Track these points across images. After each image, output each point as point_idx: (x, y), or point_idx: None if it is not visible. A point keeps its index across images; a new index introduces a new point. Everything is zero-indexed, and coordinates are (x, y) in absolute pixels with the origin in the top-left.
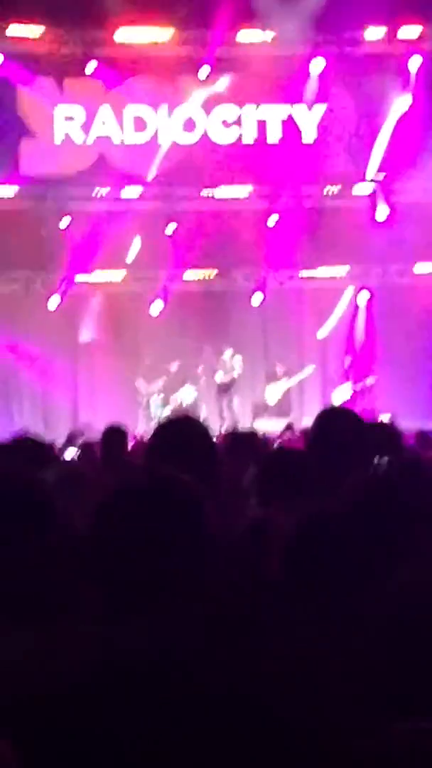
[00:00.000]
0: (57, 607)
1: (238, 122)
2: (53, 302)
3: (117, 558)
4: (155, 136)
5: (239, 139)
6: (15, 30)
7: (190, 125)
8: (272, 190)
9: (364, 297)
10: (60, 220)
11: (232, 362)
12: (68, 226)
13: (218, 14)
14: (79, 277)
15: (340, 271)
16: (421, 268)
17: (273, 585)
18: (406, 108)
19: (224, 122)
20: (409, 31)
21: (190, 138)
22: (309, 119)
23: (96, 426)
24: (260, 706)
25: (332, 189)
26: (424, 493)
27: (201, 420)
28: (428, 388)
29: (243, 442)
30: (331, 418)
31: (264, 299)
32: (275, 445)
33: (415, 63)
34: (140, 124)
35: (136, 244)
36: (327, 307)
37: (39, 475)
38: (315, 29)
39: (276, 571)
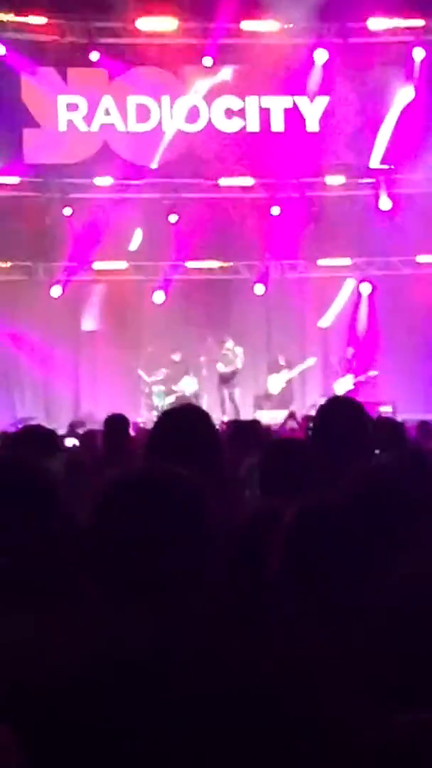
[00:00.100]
0: (57, 596)
1: (241, 112)
2: (56, 291)
3: (116, 552)
4: (159, 125)
5: (243, 128)
6: (18, 19)
7: (193, 115)
8: (275, 181)
9: (366, 288)
10: (63, 208)
11: (234, 352)
12: (71, 215)
13: (222, 4)
14: (82, 266)
15: (343, 261)
16: (424, 259)
17: (274, 578)
18: (409, 100)
19: (228, 112)
20: (413, 23)
21: (194, 128)
22: (312, 110)
23: (98, 415)
24: (261, 702)
25: (335, 180)
26: (425, 484)
27: (203, 409)
28: (430, 378)
29: (245, 431)
30: (334, 408)
31: (266, 290)
32: (278, 432)
33: (418, 54)
34: (143, 114)
35: (138, 234)
36: (329, 298)
37: (45, 464)
38: (319, 20)
39: (276, 562)
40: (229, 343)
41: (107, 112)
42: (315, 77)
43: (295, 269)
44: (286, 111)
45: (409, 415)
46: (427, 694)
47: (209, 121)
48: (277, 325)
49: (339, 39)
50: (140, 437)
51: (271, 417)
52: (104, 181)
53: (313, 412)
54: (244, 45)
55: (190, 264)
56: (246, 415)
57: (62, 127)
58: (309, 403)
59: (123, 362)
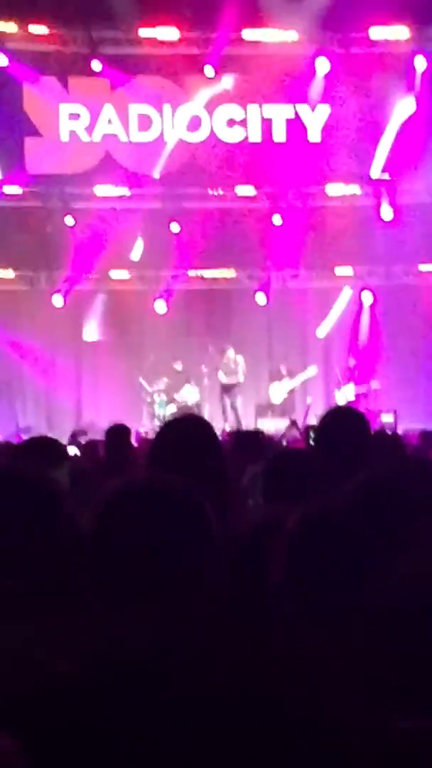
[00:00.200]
0: (59, 602)
1: (243, 121)
2: (58, 300)
3: (116, 560)
4: (161, 135)
5: (245, 138)
6: (19, 29)
7: (195, 124)
8: (277, 190)
9: (367, 297)
10: (65, 218)
11: (236, 362)
12: (73, 224)
13: (224, 14)
14: (84, 276)
15: (345, 271)
16: (425, 268)
17: (276, 584)
18: (410, 111)
19: (229, 121)
20: (414, 32)
21: (196, 137)
22: (314, 119)
23: (99, 424)
24: (261, 703)
25: (337, 189)
26: (425, 490)
27: (205, 419)
28: None
29: (247, 440)
30: (336, 418)
31: (268, 299)
32: (282, 442)
33: (420, 63)
34: (145, 123)
35: (140, 243)
36: (331, 308)
37: (51, 474)
38: (321, 29)
39: (279, 568)
40: (231, 353)
41: (109, 122)
42: (317, 87)
43: (297, 278)
44: (288, 121)
45: (411, 424)
46: (427, 694)
47: (211, 131)
48: (278, 334)
49: (341, 48)
50: (142, 447)
51: (273, 426)
52: (106, 190)
53: (313, 422)
54: (246, 55)
55: (192, 273)
56: (247, 424)
57: (64, 136)
58: (307, 412)
59: (125, 371)
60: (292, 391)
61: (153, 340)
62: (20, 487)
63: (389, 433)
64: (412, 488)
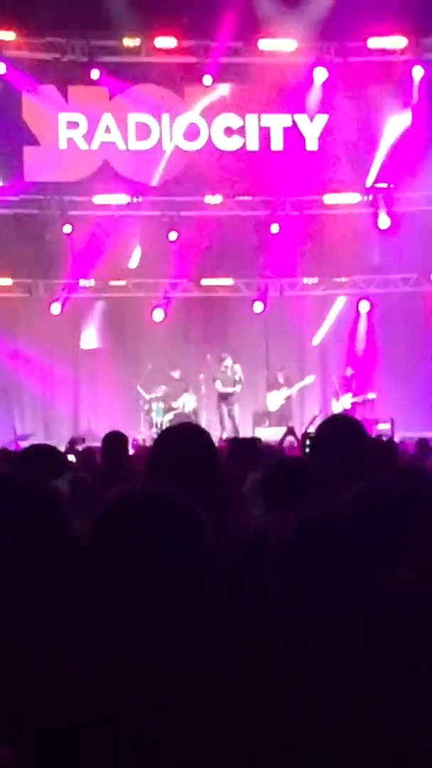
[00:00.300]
0: (58, 607)
1: (241, 130)
2: (56, 308)
3: (114, 571)
4: (159, 143)
5: (242, 147)
6: (18, 37)
7: (193, 133)
8: (274, 199)
9: (364, 306)
10: (63, 226)
11: (233, 370)
12: (71, 232)
13: (222, 23)
14: (81, 283)
15: (342, 279)
16: (423, 276)
17: (273, 588)
18: (406, 125)
19: (227, 130)
20: (412, 42)
21: (194, 146)
22: (311, 128)
23: (97, 432)
24: (261, 703)
25: (334, 198)
26: (420, 497)
27: (202, 427)
28: (429, 396)
29: (245, 448)
30: (333, 425)
31: (265, 307)
32: (281, 448)
33: (417, 73)
34: (144, 132)
35: (138, 251)
36: (327, 316)
37: (52, 483)
38: (318, 39)
39: (273, 572)
40: (228, 361)
41: (107, 130)
42: (314, 96)
43: (294, 287)
44: (286, 129)
45: (407, 432)
46: (427, 698)
47: (209, 140)
48: (275, 342)
49: (338, 58)
50: (139, 454)
51: (270, 434)
52: (104, 199)
53: (311, 429)
54: (244, 64)
55: (190, 282)
56: (245, 432)
57: (63, 145)
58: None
59: (122, 379)
60: (288, 399)
61: (151, 348)
62: (21, 493)
63: (384, 439)
64: (406, 495)
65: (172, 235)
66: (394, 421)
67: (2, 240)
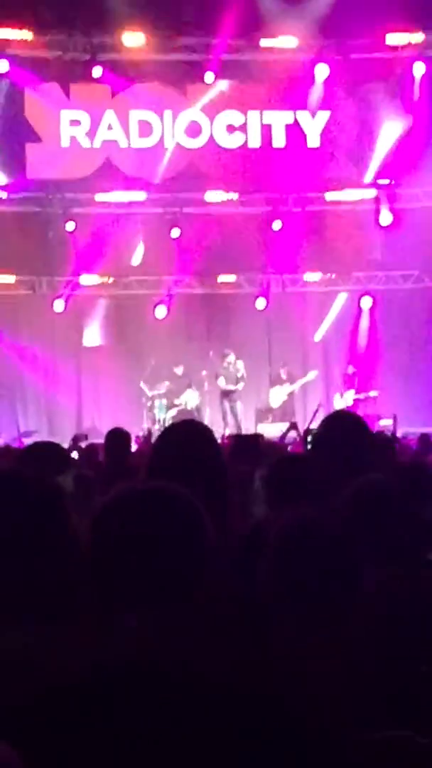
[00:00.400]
0: (58, 606)
1: (243, 127)
2: (58, 305)
3: (114, 568)
4: (161, 141)
5: (244, 144)
6: (21, 35)
7: (195, 130)
8: (276, 195)
9: (367, 302)
10: (65, 223)
11: (236, 367)
12: (74, 229)
13: (224, 20)
14: (84, 280)
15: (344, 275)
16: (425, 273)
17: (262, 586)
18: (408, 119)
19: (229, 127)
20: (413, 38)
21: (196, 143)
22: (313, 125)
23: (100, 429)
24: (261, 705)
25: (336, 194)
26: (416, 497)
27: (205, 424)
28: (431, 391)
29: (248, 444)
30: (335, 421)
31: (267, 303)
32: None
33: (418, 69)
34: (146, 129)
35: (140, 248)
36: (329, 312)
37: (56, 480)
38: (320, 35)
39: (264, 571)
40: (230, 357)
41: (110, 128)
42: (316, 93)
43: (297, 283)
44: (287, 126)
45: (410, 428)
46: (425, 694)
47: (211, 137)
48: (278, 338)
49: (339, 55)
50: (142, 451)
51: (273, 430)
52: (107, 196)
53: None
54: (246, 61)
55: (192, 278)
56: (248, 428)
57: (65, 142)
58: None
59: (125, 376)
60: (291, 395)
61: (153, 344)
62: (24, 490)
63: (388, 434)
64: (401, 497)
65: (175, 232)
66: (396, 417)
67: (5, 237)
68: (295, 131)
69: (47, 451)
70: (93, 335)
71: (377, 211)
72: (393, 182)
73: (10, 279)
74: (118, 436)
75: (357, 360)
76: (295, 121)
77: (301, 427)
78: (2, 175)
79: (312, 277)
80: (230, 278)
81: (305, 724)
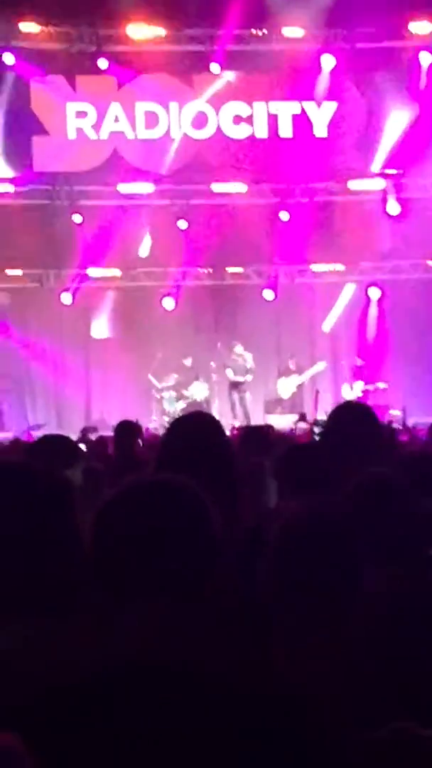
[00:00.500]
0: (60, 600)
1: (249, 118)
2: (66, 298)
3: (118, 562)
4: (168, 132)
5: (251, 134)
6: (27, 27)
7: (202, 121)
8: (284, 186)
9: (375, 293)
10: (72, 216)
11: (244, 358)
12: (81, 222)
13: (229, 11)
14: (92, 273)
15: (352, 266)
16: None
17: (265, 583)
18: (415, 109)
19: (236, 118)
20: (420, 27)
21: (202, 134)
22: (320, 115)
23: (109, 421)
24: (261, 705)
25: (343, 184)
26: (418, 491)
27: (214, 415)
28: None
29: (258, 436)
30: (344, 412)
31: (276, 295)
32: (292, 435)
33: (425, 59)
34: (152, 120)
35: (148, 240)
36: (338, 302)
37: (65, 474)
38: (326, 25)
39: (265, 568)
40: (239, 348)
41: (116, 119)
42: (322, 83)
43: (305, 274)
44: (294, 117)
45: (419, 418)
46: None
47: (218, 128)
48: (286, 329)
49: (346, 45)
50: (151, 443)
51: (282, 421)
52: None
53: (322, 416)
54: (252, 51)
55: (200, 270)
56: (256, 419)
57: (71, 134)
58: (317, 401)
59: (133, 368)
60: (300, 386)
61: (161, 336)
62: (33, 483)
63: (398, 426)
64: (403, 492)
65: (182, 224)
66: (406, 408)
67: (12, 230)
68: (302, 121)
69: (56, 444)
70: (101, 328)
71: (385, 201)
72: (401, 172)
73: (17, 272)
74: (127, 429)
75: (365, 350)
76: (302, 111)
77: (309, 418)
78: (9, 168)
79: (320, 267)
80: (238, 269)
81: (305, 724)
